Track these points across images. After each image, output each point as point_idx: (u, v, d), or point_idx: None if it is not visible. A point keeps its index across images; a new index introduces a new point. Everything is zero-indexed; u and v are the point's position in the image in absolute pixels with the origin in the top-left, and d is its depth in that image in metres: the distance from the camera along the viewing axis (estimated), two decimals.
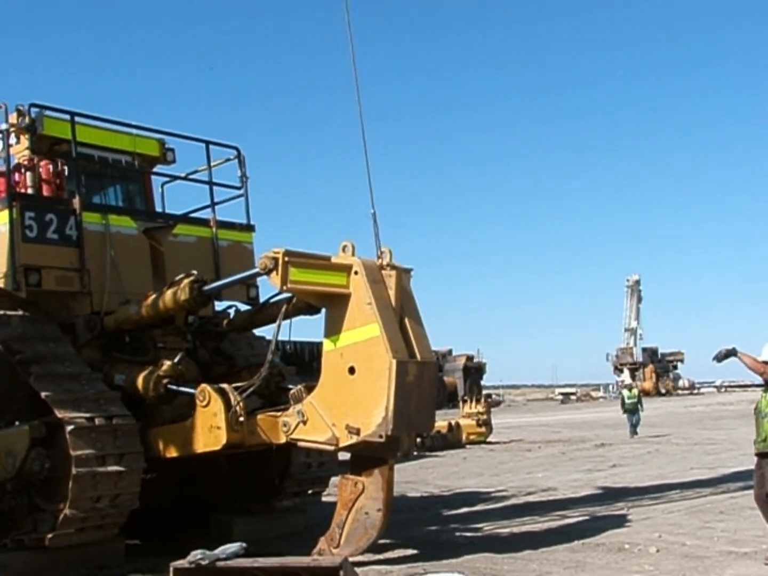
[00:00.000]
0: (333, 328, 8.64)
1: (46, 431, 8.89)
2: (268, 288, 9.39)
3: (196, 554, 6.35)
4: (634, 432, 26.95)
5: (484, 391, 57.42)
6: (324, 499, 11.22)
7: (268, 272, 8.45)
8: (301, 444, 9.01)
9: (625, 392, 29.31)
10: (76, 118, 10.16)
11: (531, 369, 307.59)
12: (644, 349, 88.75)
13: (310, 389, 8.79)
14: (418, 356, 8.62)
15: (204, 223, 11.21)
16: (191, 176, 11.69)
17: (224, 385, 9.18)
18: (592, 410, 54.77)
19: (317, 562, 6.83)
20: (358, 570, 6.94)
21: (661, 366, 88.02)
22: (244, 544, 6.63)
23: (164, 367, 9.35)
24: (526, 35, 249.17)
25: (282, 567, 6.57)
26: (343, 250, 8.69)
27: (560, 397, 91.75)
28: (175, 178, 11.89)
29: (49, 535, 8.61)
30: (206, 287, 9.42)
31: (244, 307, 10.93)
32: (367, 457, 8.67)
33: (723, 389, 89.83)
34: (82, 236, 9.89)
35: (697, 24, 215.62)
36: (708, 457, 19.14)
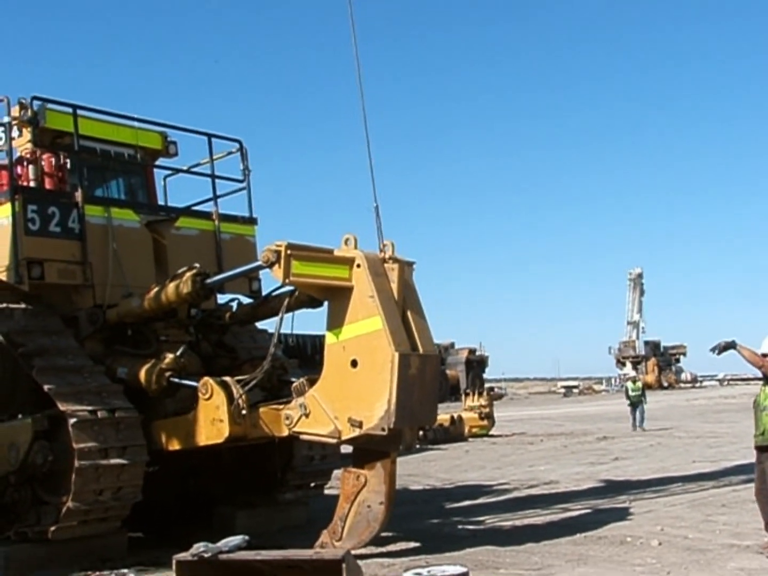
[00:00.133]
0: (335, 321, 8.64)
1: (49, 424, 8.92)
2: (271, 281, 9.41)
3: (198, 547, 6.34)
4: (639, 425, 26.96)
5: (487, 385, 57.17)
6: (326, 492, 11.25)
7: (271, 265, 8.46)
8: (303, 437, 9.03)
9: (630, 384, 29.27)
10: (79, 111, 10.16)
11: (533, 362, 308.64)
12: (647, 343, 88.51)
13: (312, 382, 8.80)
14: (421, 349, 8.63)
15: (206, 216, 11.21)
16: (194, 169, 11.70)
17: (227, 378, 9.20)
18: (594, 403, 54.71)
19: (320, 555, 6.82)
20: (360, 563, 6.93)
21: (664, 359, 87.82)
22: (246, 537, 6.61)
23: (167, 360, 9.36)
24: (531, 25, 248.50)
25: (284, 560, 6.56)
26: (346, 243, 8.69)
27: (563, 390, 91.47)
28: (177, 171, 11.89)
29: (53, 528, 8.65)
30: (209, 280, 9.42)
31: (246, 300, 10.95)
32: (370, 450, 8.69)
33: (726, 383, 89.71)
34: (84, 229, 9.89)
35: (703, 15, 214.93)
36: (710, 450, 19.11)
